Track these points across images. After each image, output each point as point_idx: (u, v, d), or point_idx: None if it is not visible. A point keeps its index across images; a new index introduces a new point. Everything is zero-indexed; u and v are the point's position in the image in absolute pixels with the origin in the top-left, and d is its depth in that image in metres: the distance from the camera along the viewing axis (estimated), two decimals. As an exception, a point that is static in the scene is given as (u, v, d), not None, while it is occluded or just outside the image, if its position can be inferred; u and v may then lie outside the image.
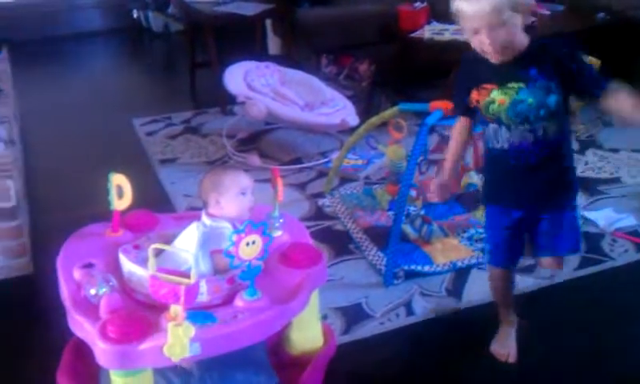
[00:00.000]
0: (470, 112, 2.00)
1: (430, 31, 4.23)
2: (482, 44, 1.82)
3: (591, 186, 3.34)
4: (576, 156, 3.53)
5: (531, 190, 1.97)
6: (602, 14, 4.47)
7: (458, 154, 2.14)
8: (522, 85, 1.85)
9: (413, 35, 4.25)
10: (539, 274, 2.58)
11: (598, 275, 2.68)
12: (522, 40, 1.86)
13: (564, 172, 2.00)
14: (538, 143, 1.89)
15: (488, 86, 1.89)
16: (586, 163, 3.62)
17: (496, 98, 1.88)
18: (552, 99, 1.84)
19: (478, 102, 1.92)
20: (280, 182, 2.12)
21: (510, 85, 1.86)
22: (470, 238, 2.87)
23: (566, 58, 1.85)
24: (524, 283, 2.55)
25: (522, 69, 1.85)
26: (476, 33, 1.81)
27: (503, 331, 2.25)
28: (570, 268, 2.63)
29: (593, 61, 3.83)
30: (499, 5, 1.75)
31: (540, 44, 1.87)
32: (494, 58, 1.85)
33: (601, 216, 3.02)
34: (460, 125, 2.09)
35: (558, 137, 1.92)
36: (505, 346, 2.21)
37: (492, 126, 1.93)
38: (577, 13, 4.59)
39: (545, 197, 1.98)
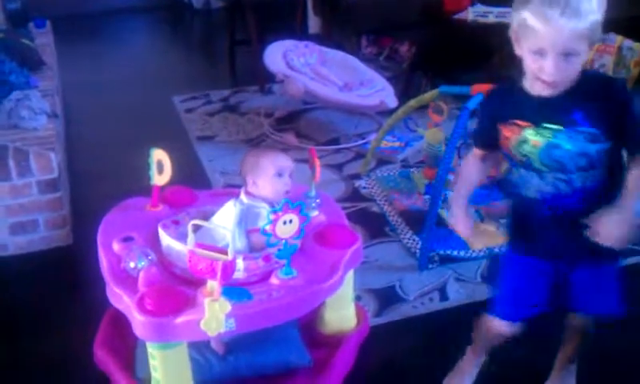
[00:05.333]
0: (492, 147, 1.74)
1: (473, 13, 4.17)
2: (541, 71, 1.51)
3: None
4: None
5: (567, 242, 1.69)
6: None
7: (470, 186, 1.85)
8: (560, 127, 1.56)
9: (456, 17, 4.19)
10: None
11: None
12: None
13: None
14: (576, 194, 1.61)
15: (521, 122, 1.60)
16: None
17: (529, 138, 1.59)
18: (595, 148, 1.56)
19: (507, 139, 1.64)
20: (317, 163, 2.13)
21: (547, 125, 1.57)
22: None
23: (619, 106, 1.55)
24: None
25: (564, 110, 1.55)
26: (539, 55, 1.50)
27: (465, 367, 2.05)
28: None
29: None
30: (581, 32, 1.46)
31: (592, 79, 1.59)
32: (545, 90, 1.55)
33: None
34: (474, 158, 1.82)
35: (604, 186, 1.62)
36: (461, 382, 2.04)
37: (521, 170, 1.66)
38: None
39: (582, 249, 1.67)
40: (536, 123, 1.58)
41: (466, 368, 2.06)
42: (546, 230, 1.69)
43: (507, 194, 1.79)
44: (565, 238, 1.68)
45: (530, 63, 1.54)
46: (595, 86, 1.57)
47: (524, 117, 1.60)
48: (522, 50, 1.55)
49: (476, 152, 1.82)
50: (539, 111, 1.58)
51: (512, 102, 1.63)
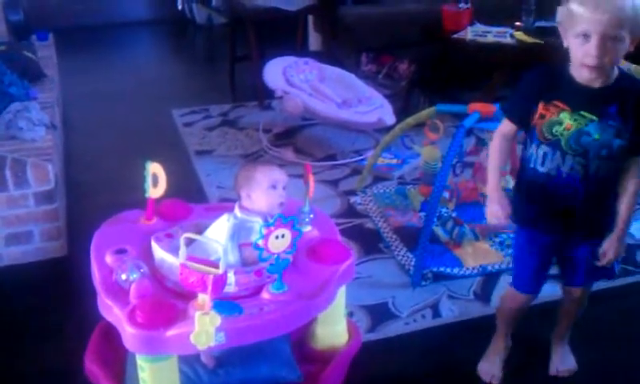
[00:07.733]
0: (525, 122, 1.83)
1: (472, 32, 4.19)
2: (586, 55, 1.64)
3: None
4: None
5: (569, 220, 1.85)
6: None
7: (501, 164, 1.95)
8: (594, 118, 1.71)
9: (455, 36, 4.21)
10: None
11: (632, 286, 2.63)
12: (616, 69, 1.72)
13: (609, 208, 1.85)
14: (586, 179, 1.77)
15: (560, 104, 1.73)
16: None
17: (564, 120, 1.73)
18: (617, 143, 1.72)
19: (542, 117, 1.76)
20: (311, 178, 2.13)
21: (583, 113, 1.71)
22: (501, 243, 2.84)
23: None
24: (555, 292, 2.32)
25: (603, 102, 1.71)
26: (585, 39, 1.63)
27: (494, 352, 2.19)
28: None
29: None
30: (624, 16, 1.59)
31: (629, 78, 1.75)
32: (590, 75, 1.69)
33: (637, 227, 2.97)
34: (504, 131, 1.91)
35: (611, 176, 1.79)
36: (492, 367, 2.16)
37: (544, 147, 1.78)
38: None
39: (584, 228, 1.87)
40: (574, 109, 1.73)
41: (496, 349, 2.18)
42: (550, 205, 1.84)
43: (521, 171, 1.91)
44: (566, 214, 1.83)
45: (575, 50, 1.68)
46: (631, 86, 1.74)
47: (564, 100, 1.73)
48: (569, 39, 1.69)
49: (504, 129, 1.91)
50: (580, 98, 1.72)
51: (558, 84, 1.75)
